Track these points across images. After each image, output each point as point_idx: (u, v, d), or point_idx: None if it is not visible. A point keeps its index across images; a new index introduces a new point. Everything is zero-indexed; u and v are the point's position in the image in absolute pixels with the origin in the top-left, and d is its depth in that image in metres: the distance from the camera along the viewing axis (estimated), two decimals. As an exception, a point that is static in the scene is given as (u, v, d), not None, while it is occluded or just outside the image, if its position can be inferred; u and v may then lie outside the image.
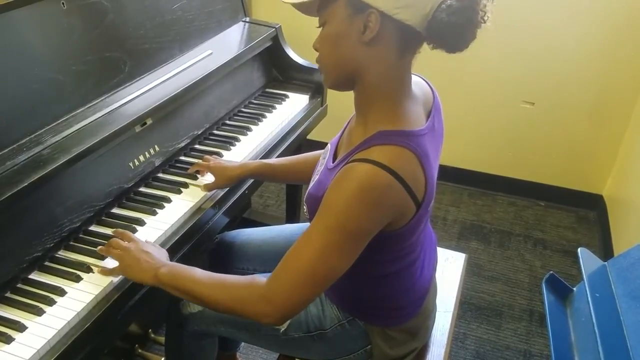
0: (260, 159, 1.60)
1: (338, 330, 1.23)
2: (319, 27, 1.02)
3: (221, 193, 1.45)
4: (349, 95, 1.08)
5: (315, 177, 1.16)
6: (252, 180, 1.55)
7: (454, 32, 0.94)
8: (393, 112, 1.01)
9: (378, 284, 1.17)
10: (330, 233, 0.95)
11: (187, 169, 1.50)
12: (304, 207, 1.16)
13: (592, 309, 1.20)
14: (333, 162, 1.11)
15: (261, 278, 1.03)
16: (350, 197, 0.93)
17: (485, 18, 0.96)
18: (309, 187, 1.15)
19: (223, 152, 1.59)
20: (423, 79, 1.15)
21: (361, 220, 0.95)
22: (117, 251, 1.15)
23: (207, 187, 1.43)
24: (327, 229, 0.96)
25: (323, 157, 1.20)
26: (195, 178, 1.46)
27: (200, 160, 1.52)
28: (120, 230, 1.24)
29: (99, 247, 1.19)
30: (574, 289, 1.38)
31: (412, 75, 1.08)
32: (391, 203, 0.96)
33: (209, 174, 1.46)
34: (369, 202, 0.94)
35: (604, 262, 1.31)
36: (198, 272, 1.08)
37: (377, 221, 0.97)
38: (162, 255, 1.17)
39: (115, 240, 1.18)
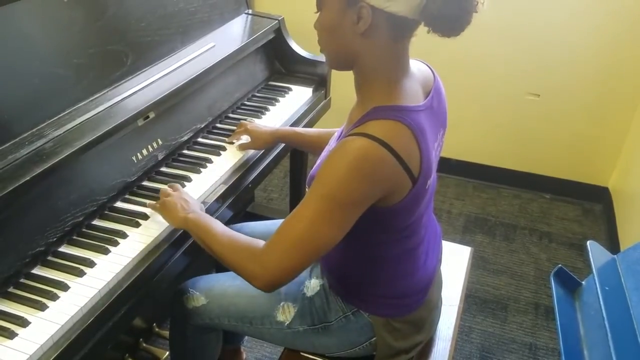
0: (265, 151, 1.61)
1: (342, 322, 1.23)
2: (317, 12, 1.05)
3: (224, 188, 1.44)
4: (353, 89, 1.10)
5: (318, 161, 1.17)
6: (255, 174, 1.55)
7: (447, 22, 0.96)
8: (389, 89, 1.03)
9: (381, 267, 1.18)
10: (321, 202, 0.98)
11: (191, 162, 1.49)
12: (307, 189, 1.16)
13: (601, 302, 1.19)
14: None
15: (261, 242, 1.07)
16: (342, 168, 0.96)
17: (479, 7, 0.96)
18: (312, 170, 1.15)
19: (227, 145, 1.57)
20: (424, 63, 1.17)
21: (351, 191, 0.97)
22: (163, 198, 1.27)
23: (243, 147, 1.55)
24: (317, 198, 0.99)
25: (329, 143, 1.21)
26: (199, 172, 1.46)
27: (201, 156, 1.51)
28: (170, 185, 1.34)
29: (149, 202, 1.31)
30: (583, 282, 1.36)
31: (413, 60, 1.10)
32: (383, 176, 0.97)
33: (210, 167, 1.47)
34: (360, 173, 0.96)
35: (614, 256, 1.30)
36: (217, 227, 1.15)
37: (367, 193, 0.98)
38: (196, 205, 1.26)
39: (163, 190, 1.30)
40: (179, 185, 1.33)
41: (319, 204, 0.99)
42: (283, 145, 1.66)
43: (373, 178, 0.97)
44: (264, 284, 1.04)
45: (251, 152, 1.57)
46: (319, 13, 1.05)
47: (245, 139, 1.57)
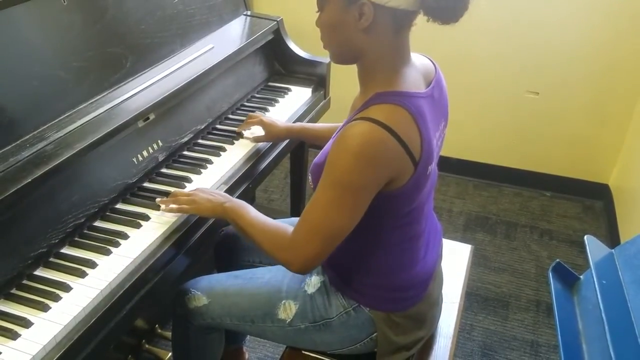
0: (265, 151, 1.63)
1: (344, 318, 1.23)
2: (317, 11, 1.07)
3: (224, 188, 1.45)
4: (352, 88, 1.12)
5: (322, 151, 1.18)
6: (255, 174, 1.56)
7: (445, 12, 1.00)
8: (390, 77, 1.06)
9: (382, 254, 1.19)
10: (329, 189, 1.02)
11: (191, 163, 1.50)
12: (309, 178, 1.18)
13: (599, 296, 1.19)
14: None
15: (290, 228, 1.12)
16: (347, 153, 0.99)
17: None
18: (315, 158, 1.17)
19: (227, 146, 1.58)
20: (426, 56, 1.19)
21: (357, 176, 1.00)
22: (185, 198, 1.29)
23: (256, 139, 1.60)
24: (326, 185, 1.03)
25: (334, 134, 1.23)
26: (199, 172, 1.46)
27: (201, 157, 1.52)
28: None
29: (158, 199, 1.32)
30: (581, 277, 1.37)
31: (415, 54, 1.14)
32: (387, 158, 1.00)
33: (210, 168, 1.47)
34: (365, 157, 0.98)
35: (611, 250, 1.30)
36: (251, 213, 1.21)
37: (373, 177, 1.01)
38: (221, 193, 1.31)
39: (176, 191, 1.34)
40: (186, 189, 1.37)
41: (328, 192, 1.02)
42: (283, 145, 1.67)
43: (377, 161, 0.99)
44: (298, 269, 1.11)
45: (250, 152, 1.58)
46: (319, 12, 1.07)
47: (252, 130, 1.61)
